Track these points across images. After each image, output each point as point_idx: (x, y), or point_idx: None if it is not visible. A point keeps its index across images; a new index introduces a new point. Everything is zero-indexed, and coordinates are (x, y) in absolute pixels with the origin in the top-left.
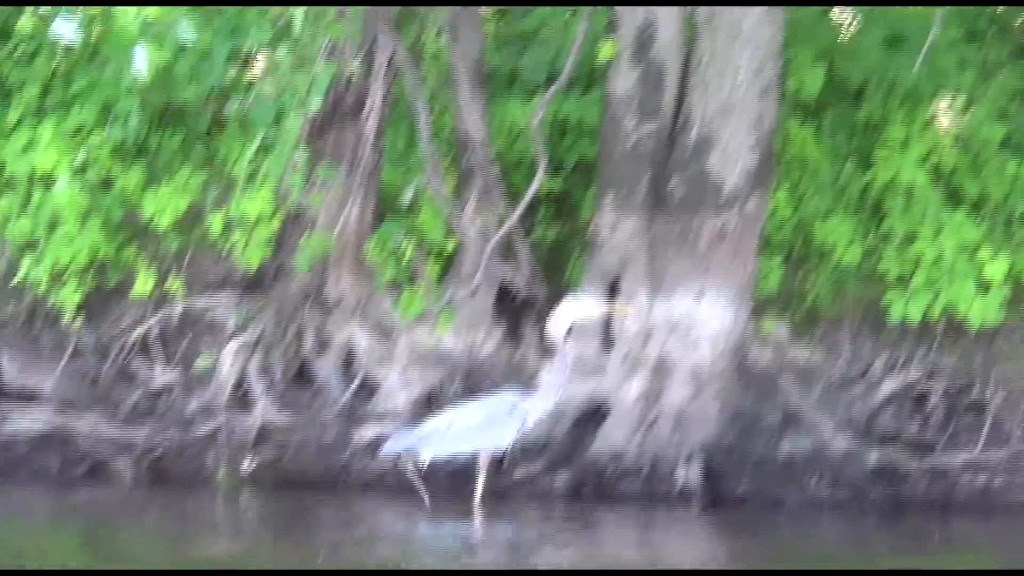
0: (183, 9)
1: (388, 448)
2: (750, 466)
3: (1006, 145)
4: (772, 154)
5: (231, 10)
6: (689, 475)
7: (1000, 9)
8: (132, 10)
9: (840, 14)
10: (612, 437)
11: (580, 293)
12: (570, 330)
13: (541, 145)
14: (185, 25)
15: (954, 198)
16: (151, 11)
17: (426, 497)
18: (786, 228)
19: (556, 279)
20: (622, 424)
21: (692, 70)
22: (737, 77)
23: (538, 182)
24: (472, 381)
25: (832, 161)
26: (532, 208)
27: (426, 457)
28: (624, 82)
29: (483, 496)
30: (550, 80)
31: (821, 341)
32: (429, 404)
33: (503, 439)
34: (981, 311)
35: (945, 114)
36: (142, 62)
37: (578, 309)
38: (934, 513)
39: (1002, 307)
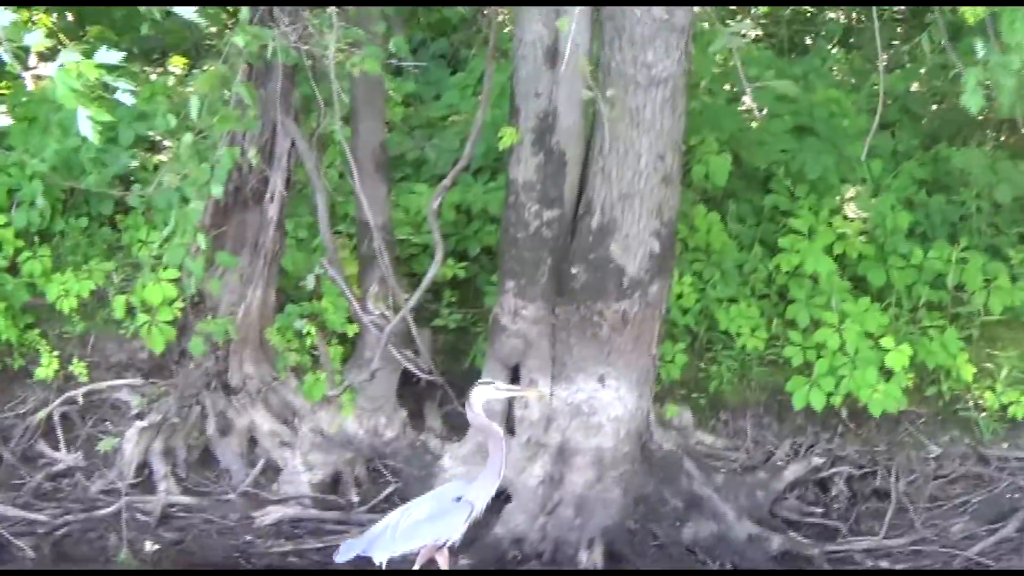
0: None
1: (340, 556)
2: (652, 550)
3: (912, 234)
4: (674, 241)
5: (137, 97)
6: (591, 559)
7: (910, 99)
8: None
9: (749, 102)
10: (514, 521)
11: (483, 379)
12: (504, 409)
13: (438, 232)
14: (125, 84)
15: (859, 287)
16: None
17: None
18: (691, 315)
19: (460, 364)
20: (524, 508)
21: (594, 157)
22: (639, 164)
23: (435, 268)
24: (375, 465)
25: (738, 248)
26: (437, 294)
27: (380, 559)
28: (525, 169)
29: None
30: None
31: (725, 427)
32: (334, 487)
33: (452, 530)
34: (883, 399)
35: (851, 203)
36: (86, 126)
37: (489, 393)
38: None
39: (904, 394)
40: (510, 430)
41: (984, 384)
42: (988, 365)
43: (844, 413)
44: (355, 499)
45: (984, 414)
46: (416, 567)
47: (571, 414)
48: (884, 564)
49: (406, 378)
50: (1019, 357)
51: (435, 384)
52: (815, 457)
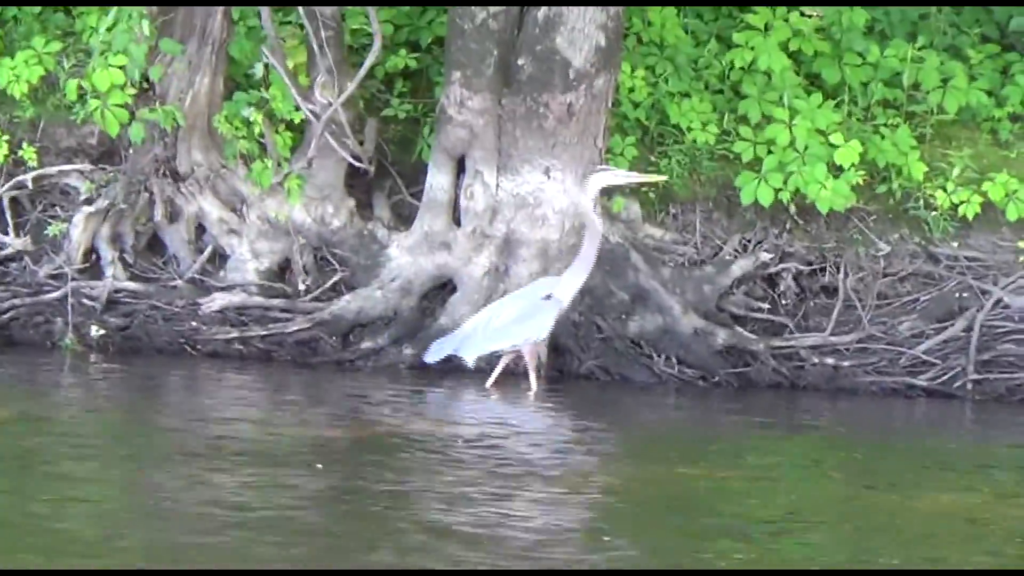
0: None
1: (431, 356)
2: (597, 343)
3: (872, 32)
4: (620, 34)
5: None
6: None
7: None
8: None
9: None
10: (459, 312)
11: (601, 166)
12: (595, 203)
13: (376, 21)
14: None
15: (814, 84)
16: None
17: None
18: (642, 108)
19: (410, 154)
20: (469, 299)
21: None
22: None
23: (373, 56)
24: (322, 253)
25: (694, 44)
26: (389, 84)
27: (470, 358)
28: None
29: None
30: None
31: (674, 221)
32: (280, 275)
33: (543, 327)
34: (831, 195)
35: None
36: None
37: (607, 178)
38: (781, 393)
39: (854, 192)
40: (455, 220)
41: (936, 183)
42: (941, 164)
43: (793, 209)
44: (301, 287)
45: (935, 212)
46: (531, 368)
47: (516, 205)
48: (830, 360)
49: (356, 167)
50: (972, 157)
51: (386, 173)
52: (763, 253)
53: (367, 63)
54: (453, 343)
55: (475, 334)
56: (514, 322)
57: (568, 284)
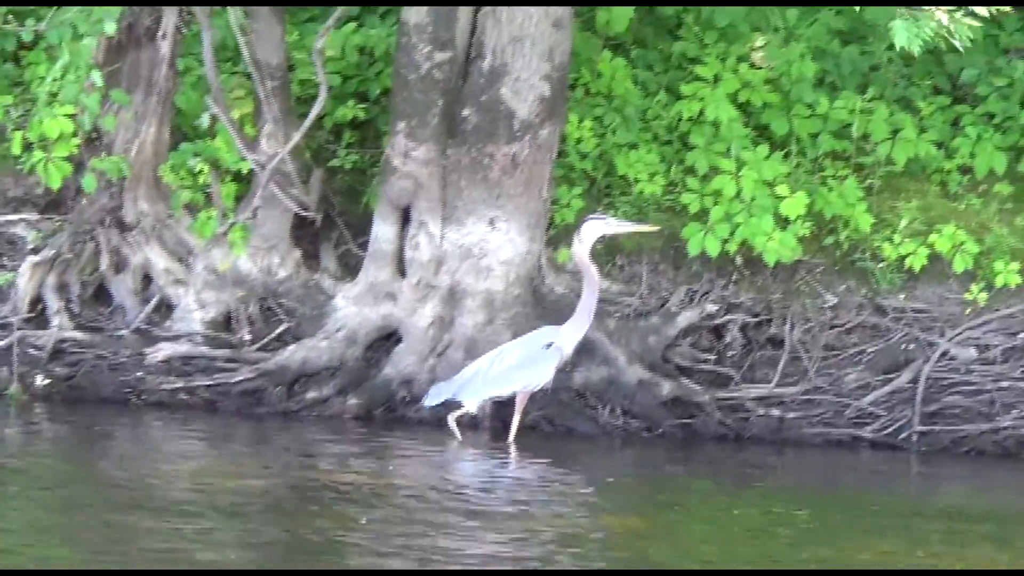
0: None
1: (429, 400)
2: (542, 394)
3: (822, 84)
4: (565, 85)
5: None
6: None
7: None
8: None
9: None
10: (404, 362)
11: (594, 215)
12: (592, 253)
13: (323, 72)
14: None
15: (763, 135)
16: None
17: (458, 437)
18: (589, 159)
19: (358, 204)
20: (414, 349)
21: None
22: (529, 8)
23: (318, 107)
24: (268, 303)
25: (644, 95)
26: (337, 135)
27: (469, 404)
28: (418, 11)
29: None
30: (366, 9)
31: (620, 272)
32: (226, 325)
33: (543, 375)
34: (777, 247)
35: (759, 52)
36: None
37: (602, 228)
38: (727, 445)
39: (801, 243)
40: (401, 271)
41: (883, 234)
42: (888, 216)
43: (739, 260)
44: (247, 337)
45: (882, 264)
46: (518, 414)
47: (461, 256)
48: (776, 412)
49: (302, 218)
50: (920, 208)
51: (333, 223)
52: (709, 304)
53: (313, 113)
54: (452, 388)
55: (475, 379)
56: (515, 369)
57: (570, 333)
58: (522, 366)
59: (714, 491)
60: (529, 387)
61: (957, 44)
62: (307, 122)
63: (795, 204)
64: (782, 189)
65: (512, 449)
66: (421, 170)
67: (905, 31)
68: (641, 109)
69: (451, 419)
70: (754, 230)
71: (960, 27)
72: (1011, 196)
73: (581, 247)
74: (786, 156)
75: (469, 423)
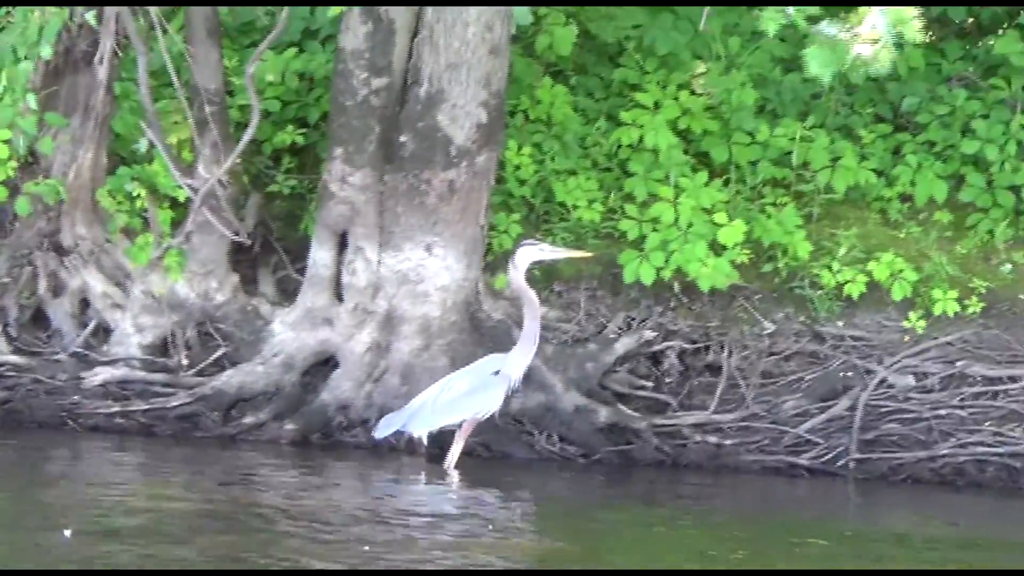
0: None
1: (380, 431)
2: (486, 422)
3: (763, 112)
4: (502, 111)
5: None
6: None
7: None
8: None
9: None
10: (340, 388)
11: (527, 240)
12: (528, 278)
13: (255, 97)
14: None
15: (703, 163)
16: None
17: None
18: (528, 186)
19: (296, 230)
20: (350, 375)
21: (422, 26)
22: (466, 34)
23: (251, 131)
24: (206, 328)
25: (584, 122)
26: (277, 160)
27: (419, 434)
28: (354, 37)
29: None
30: (307, 34)
31: (559, 298)
32: (164, 349)
33: (492, 403)
34: (712, 273)
35: (700, 80)
36: None
37: (536, 254)
38: (663, 471)
39: (739, 271)
40: (338, 296)
41: (822, 262)
42: (827, 243)
43: (676, 287)
44: (184, 362)
45: (820, 292)
46: (460, 441)
47: (398, 282)
48: (713, 439)
49: (241, 243)
50: (859, 236)
51: (272, 248)
52: (646, 331)
53: (245, 138)
54: (402, 418)
55: (424, 409)
56: (463, 397)
57: (516, 361)
58: (471, 394)
59: (649, 517)
60: (478, 415)
61: (887, 70)
62: (239, 147)
63: (733, 232)
64: (720, 216)
65: (451, 474)
66: (358, 196)
67: (818, 60)
68: (580, 136)
69: (447, 465)
70: (688, 257)
71: (886, 54)
72: (951, 224)
73: (516, 273)
74: (725, 183)
75: (407, 448)
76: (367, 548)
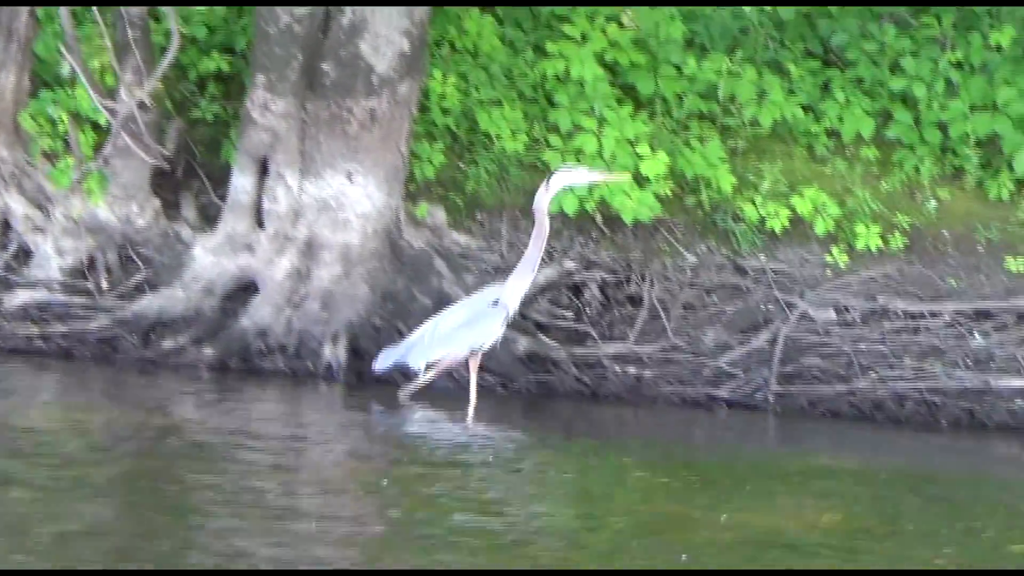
0: None
1: (379, 364)
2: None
3: (692, 45)
4: (425, 41)
5: None
6: (335, 353)
7: None
8: None
9: None
10: (260, 313)
11: (564, 165)
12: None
13: (176, 20)
14: None
15: (630, 95)
16: None
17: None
18: (452, 116)
19: (219, 156)
20: (270, 301)
21: None
22: None
23: (171, 55)
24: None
25: (510, 53)
26: (202, 86)
27: (418, 366)
28: None
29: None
30: None
31: (481, 228)
32: (84, 273)
33: (490, 333)
34: (636, 206)
35: (629, 13)
36: None
37: (570, 177)
38: (583, 402)
39: (662, 203)
40: (259, 222)
41: (746, 196)
42: (752, 177)
43: (599, 219)
44: (104, 285)
45: (743, 225)
46: (473, 375)
47: (319, 209)
48: (632, 370)
49: (163, 168)
50: (784, 171)
51: (194, 174)
52: (568, 261)
53: (164, 63)
54: (401, 351)
55: (422, 341)
56: (461, 328)
57: (513, 289)
58: (469, 325)
59: (567, 447)
60: (475, 346)
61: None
62: (158, 71)
63: (655, 164)
64: (643, 148)
65: (470, 411)
66: (280, 123)
67: None
68: (507, 67)
69: (403, 395)
70: (613, 188)
71: None
72: (877, 160)
73: (545, 195)
74: (651, 116)
75: (324, 374)
76: (278, 465)
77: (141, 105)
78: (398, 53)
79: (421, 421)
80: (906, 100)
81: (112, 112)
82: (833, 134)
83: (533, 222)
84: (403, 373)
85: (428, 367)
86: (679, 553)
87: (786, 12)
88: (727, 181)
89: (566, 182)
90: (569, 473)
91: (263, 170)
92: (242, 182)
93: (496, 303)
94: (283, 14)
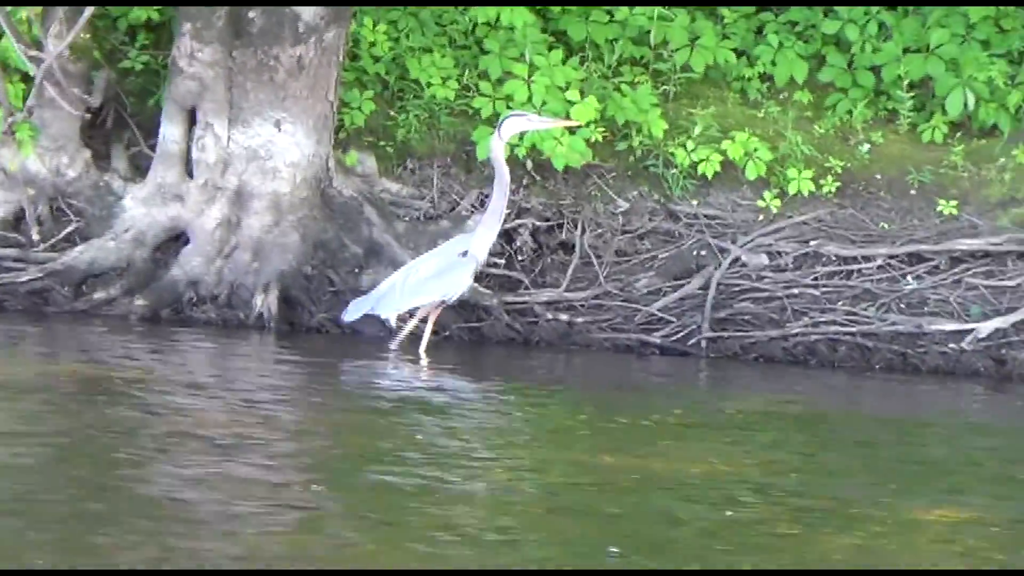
0: None
1: (349, 315)
2: (328, 296)
3: None
4: None
5: None
6: (266, 302)
7: None
8: None
9: None
10: (190, 263)
11: (514, 111)
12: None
13: None
14: None
15: (562, 41)
16: None
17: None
18: (382, 63)
19: (149, 106)
20: (201, 251)
21: None
22: None
23: (91, 9)
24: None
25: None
26: (133, 36)
27: (388, 316)
28: None
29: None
30: None
31: (412, 175)
32: (15, 224)
33: (460, 284)
34: (566, 152)
35: None
36: None
37: (523, 124)
38: (515, 348)
39: (593, 149)
40: (189, 172)
41: (678, 141)
42: (684, 123)
43: (530, 165)
44: (36, 237)
45: (675, 170)
46: (429, 325)
47: (248, 158)
48: (564, 317)
49: (94, 119)
50: (717, 115)
51: (125, 124)
52: None
53: (85, 13)
54: (370, 302)
55: (392, 292)
56: (431, 279)
57: (482, 239)
58: (439, 276)
59: (501, 393)
60: (446, 296)
61: None
62: (81, 20)
63: (585, 110)
64: (573, 94)
65: (423, 358)
66: (207, 71)
67: None
68: (437, 14)
69: (392, 346)
70: (543, 134)
71: None
72: (811, 104)
73: (498, 143)
74: (582, 62)
75: (256, 324)
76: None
77: (64, 55)
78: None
79: (357, 370)
80: (840, 43)
81: (39, 63)
82: (767, 78)
83: (488, 174)
84: (337, 324)
85: (399, 318)
86: (556, 493)
87: None
88: (658, 126)
89: (517, 128)
90: (491, 417)
91: (192, 119)
92: (171, 131)
93: (465, 254)
94: None
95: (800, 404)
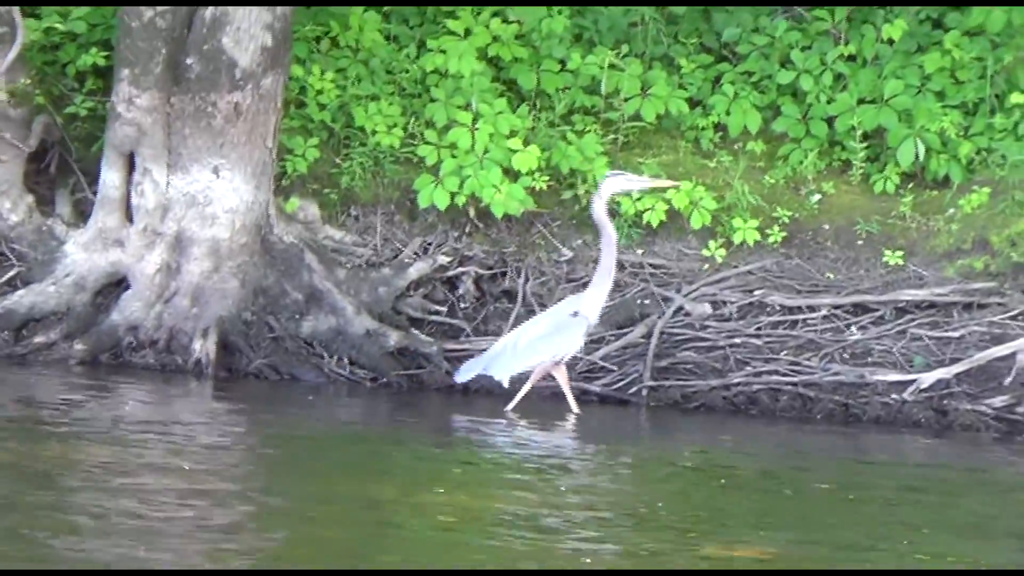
0: None
1: (461, 376)
2: (268, 342)
3: (579, 40)
4: (288, 35)
5: None
6: (205, 348)
7: None
8: None
9: None
10: (131, 308)
11: (612, 171)
12: (611, 210)
13: (19, 15)
14: None
15: (512, 90)
16: None
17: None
18: (328, 110)
19: (94, 151)
20: (140, 296)
21: None
22: None
23: (15, 51)
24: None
25: (395, 48)
26: (81, 81)
27: (500, 377)
28: None
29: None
30: None
31: (356, 222)
32: None
33: (572, 344)
34: (505, 200)
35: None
36: None
37: (621, 183)
38: (454, 396)
39: (536, 197)
40: (129, 218)
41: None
42: (631, 171)
43: (472, 213)
44: None
45: (620, 219)
46: (530, 384)
47: (187, 204)
48: None
49: (39, 164)
50: (667, 164)
51: (70, 169)
52: (441, 256)
53: (10, 56)
54: (483, 362)
55: (504, 352)
56: (542, 339)
57: (592, 299)
58: (550, 336)
59: (436, 443)
60: (557, 357)
61: None
62: (8, 59)
63: (527, 158)
64: (516, 142)
65: (572, 417)
66: (145, 117)
67: None
68: (388, 62)
69: (508, 410)
70: (483, 182)
71: None
72: (764, 154)
73: (599, 203)
74: (531, 111)
75: (194, 369)
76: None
77: (4, 100)
78: (260, 47)
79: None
80: (796, 94)
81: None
82: (722, 128)
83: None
84: (276, 371)
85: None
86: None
87: (679, 7)
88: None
89: (617, 188)
90: (433, 464)
91: (131, 165)
92: (111, 177)
93: (576, 314)
94: (146, 9)
95: (708, 454)
